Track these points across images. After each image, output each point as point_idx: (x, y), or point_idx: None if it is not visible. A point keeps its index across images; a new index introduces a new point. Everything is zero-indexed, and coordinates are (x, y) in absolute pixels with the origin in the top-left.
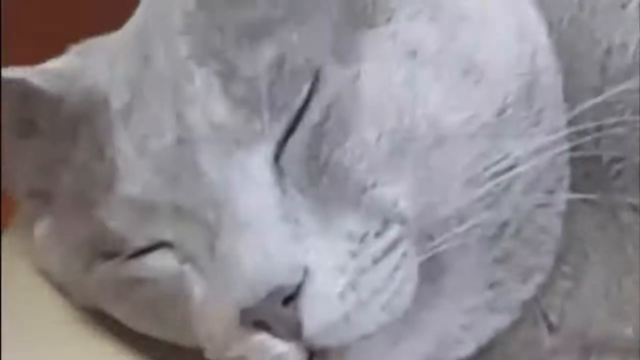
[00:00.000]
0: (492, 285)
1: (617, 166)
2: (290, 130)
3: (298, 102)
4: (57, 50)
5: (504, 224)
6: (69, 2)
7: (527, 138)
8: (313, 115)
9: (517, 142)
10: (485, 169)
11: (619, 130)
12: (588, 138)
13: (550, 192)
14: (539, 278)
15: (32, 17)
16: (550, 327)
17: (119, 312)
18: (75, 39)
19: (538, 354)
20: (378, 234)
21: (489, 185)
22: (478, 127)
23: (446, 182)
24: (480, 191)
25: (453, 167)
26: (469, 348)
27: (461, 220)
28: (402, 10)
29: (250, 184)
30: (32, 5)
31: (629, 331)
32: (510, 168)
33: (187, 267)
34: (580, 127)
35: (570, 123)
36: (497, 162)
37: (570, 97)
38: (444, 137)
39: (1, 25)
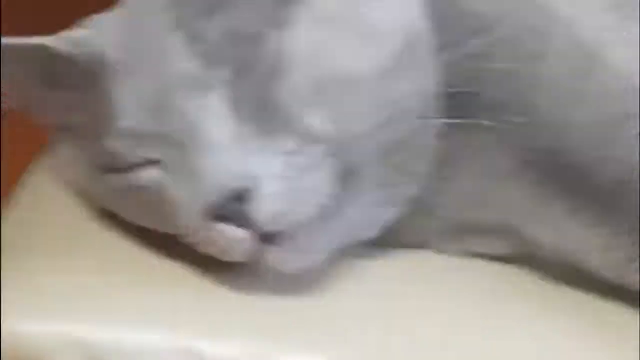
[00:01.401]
0: (389, 186)
1: (473, 98)
2: (242, 77)
3: (248, 57)
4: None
5: (397, 141)
6: None
7: (411, 79)
8: (259, 66)
9: (403, 82)
10: (382, 101)
11: (473, 72)
12: (451, 78)
13: (427, 117)
14: (423, 180)
15: None
16: (434, 215)
17: (122, 212)
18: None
19: (426, 236)
20: (307, 151)
21: (387, 112)
22: (375, 71)
23: (356, 112)
24: (380, 118)
25: (360, 101)
26: (374, 232)
27: (367, 139)
28: None
29: (213, 116)
30: None
31: (492, 217)
32: (399, 101)
33: (168, 177)
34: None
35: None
36: (389, 96)
37: (440, 49)
38: (351, 79)
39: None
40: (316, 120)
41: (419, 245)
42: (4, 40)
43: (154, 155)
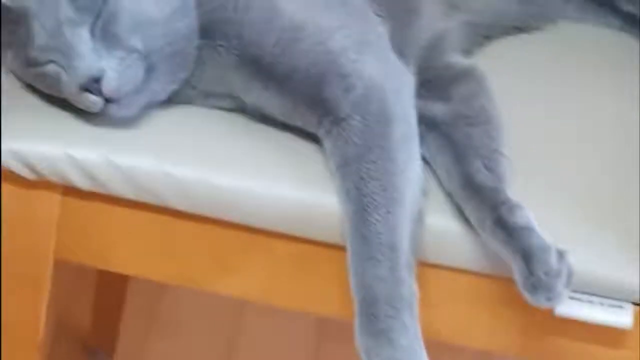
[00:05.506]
0: (171, 74)
1: (215, 30)
2: (97, 17)
3: (100, 7)
4: None
5: (176, 52)
6: None
7: (183, 20)
8: (105, 12)
9: (180, 22)
10: (168, 32)
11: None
12: (202, 19)
13: (189, 40)
14: (183, 75)
15: None
16: (194, 88)
17: (38, 86)
18: None
19: (189, 99)
20: (131, 56)
21: (171, 37)
22: (166, 14)
23: (155, 36)
24: (167, 40)
25: (157, 32)
26: (165, 97)
27: (160, 51)
28: None
29: (81, 39)
30: None
31: (251, 100)
32: (177, 31)
33: (60, 69)
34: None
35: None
36: (172, 28)
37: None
38: (152, 20)
39: None
40: (135, 41)
41: (186, 102)
42: None
43: (53, 58)
